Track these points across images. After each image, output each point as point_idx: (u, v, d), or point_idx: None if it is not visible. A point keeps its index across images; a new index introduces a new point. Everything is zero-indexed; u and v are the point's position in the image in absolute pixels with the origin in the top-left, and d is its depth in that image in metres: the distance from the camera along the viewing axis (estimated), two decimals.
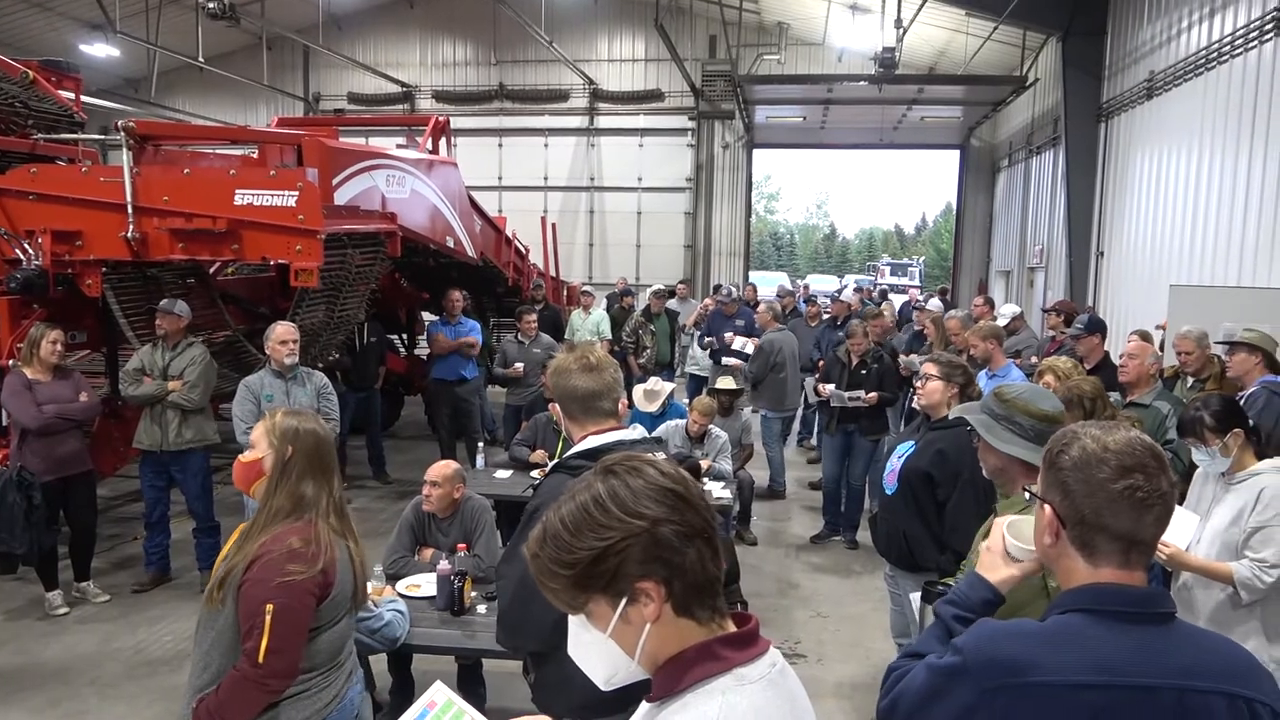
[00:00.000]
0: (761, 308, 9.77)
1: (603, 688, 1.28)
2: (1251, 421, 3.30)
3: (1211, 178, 9.52)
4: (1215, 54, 9.41)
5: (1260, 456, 3.25)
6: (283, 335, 5.68)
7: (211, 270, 7.36)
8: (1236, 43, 8.97)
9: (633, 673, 1.26)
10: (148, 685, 4.67)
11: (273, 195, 5.88)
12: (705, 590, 1.22)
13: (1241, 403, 4.76)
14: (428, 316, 11.31)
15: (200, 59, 15.46)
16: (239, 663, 2.35)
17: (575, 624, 1.28)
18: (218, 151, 8.42)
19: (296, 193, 5.86)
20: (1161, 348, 6.64)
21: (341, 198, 6.73)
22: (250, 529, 2.46)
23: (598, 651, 1.26)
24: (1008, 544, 1.92)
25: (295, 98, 20.90)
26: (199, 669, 2.42)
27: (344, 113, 20.46)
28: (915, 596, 2.90)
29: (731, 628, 1.27)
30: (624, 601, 1.20)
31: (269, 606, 2.30)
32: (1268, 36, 8.38)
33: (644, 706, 1.28)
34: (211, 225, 5.83)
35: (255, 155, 7.96)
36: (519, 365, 8.31)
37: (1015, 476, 2.61)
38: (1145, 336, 5.85)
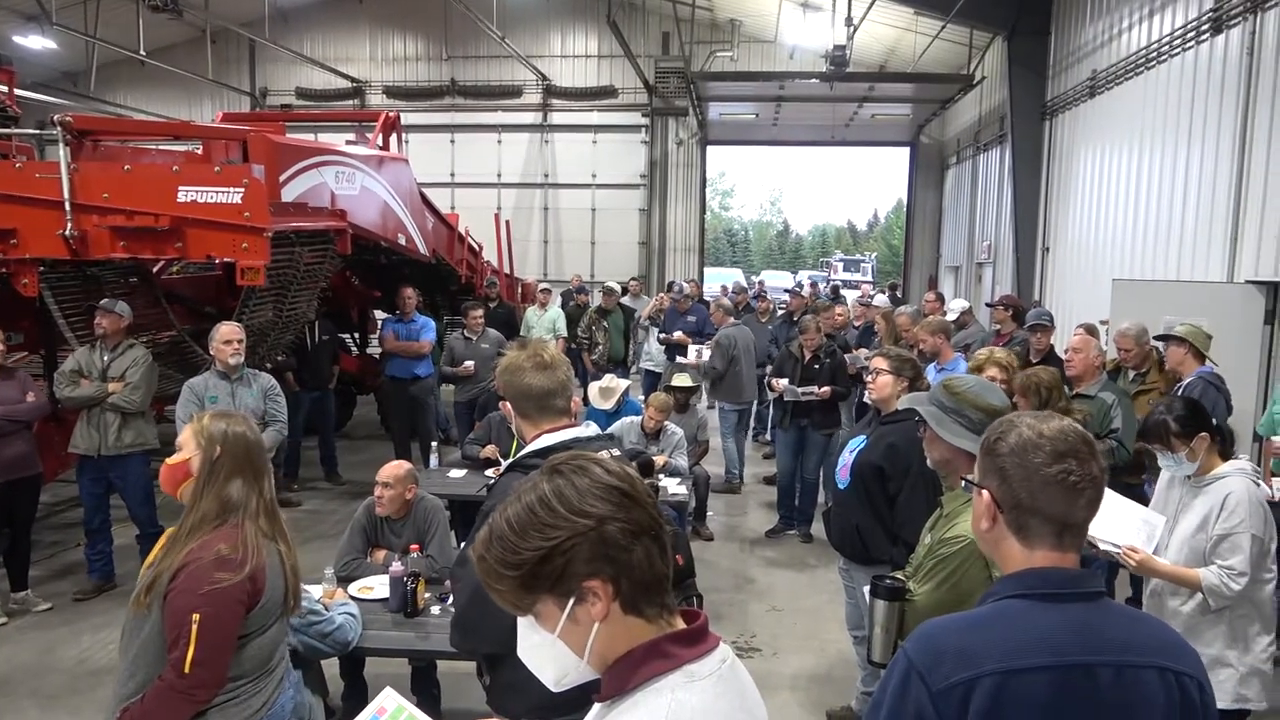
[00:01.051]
0: (714, 304, 9.77)
1: (553, 689, 1.27)
2: (1215, 421, 3.31)
3: (1151, 174, 9.77)
4: (1154, 54, 9.65)
5: (1225, 457, 3.26)
6: (227, 335, 5.57)
7: (155, 269, 7.19)
8: (1175, 43, 9.21)
9: (583, 673, 1.25)
10: (91, 697, 4.54)
11: (217, 192, 5.75)
12: (653, 588, 1.22)
13: (1180, 393, 4.92)
14: (380, 315, 11.18)
15: (141, 52, 15.07)
16: (164, 672, 2.30)
17: (524, 625, 1.26)
18: (160, 148, 8.21)
19: (242, 189, 5.74)
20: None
21: (289, 194, 6.61)
22: (177, 534, 2.41)
23: (547, 652, 1.25)
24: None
25: (241, 93, 20.48)
26: (124, 678, 2.37)
27: (292, 108, 20.06)
28: (867, 588, 2.93)
29: (681, 624, 1.26)
30: (571, 601, 1.20)
31: (195, 616, 2.25)
32: (1204, 37, 8.62)
33: (595, 707, 1.28)
34: (154, 223, 5.69)
35: (199, 152, 7.79)
36: (469, 364, 8.25)
37: (960, 468, 2.65)
38: (1090, 330, 5.99)
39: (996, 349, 5.28)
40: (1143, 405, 5.37)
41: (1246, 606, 3.12)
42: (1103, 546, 3.29)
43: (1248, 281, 7.64)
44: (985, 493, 1.57)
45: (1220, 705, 3.07)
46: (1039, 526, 1.51)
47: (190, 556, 2.32)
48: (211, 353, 5.64)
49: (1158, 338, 5.43)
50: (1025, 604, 1.49)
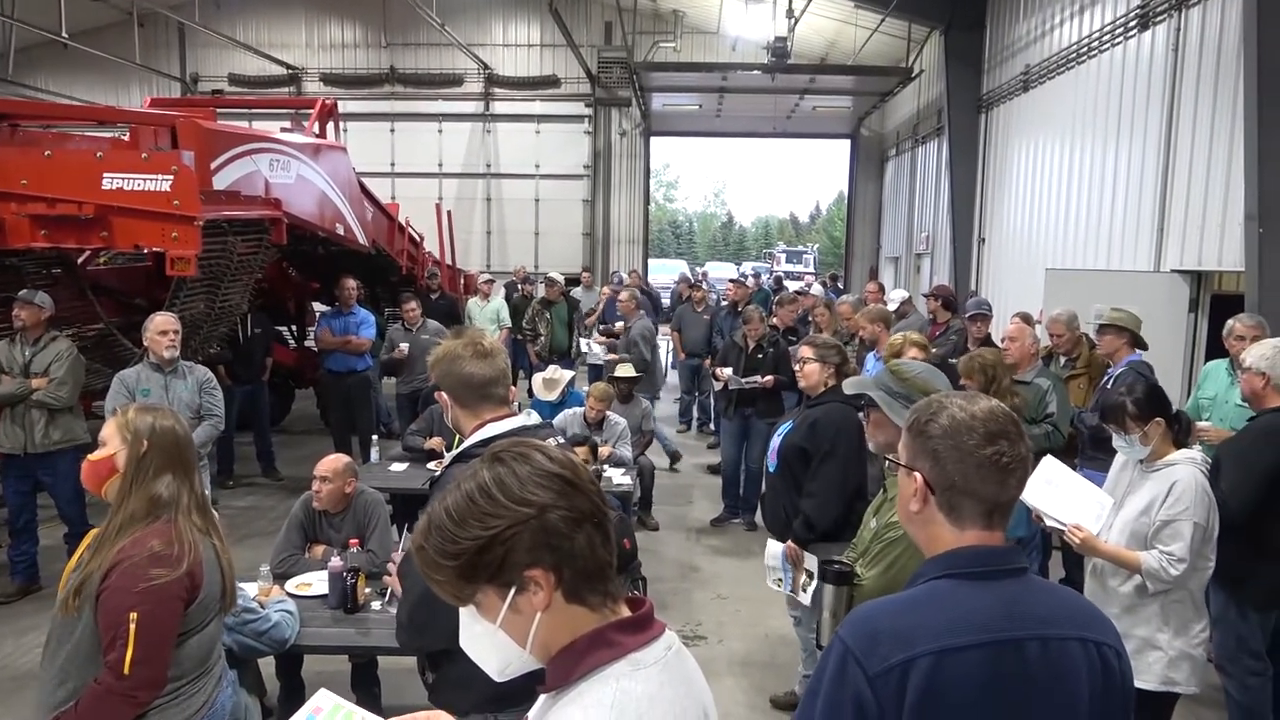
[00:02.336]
0: (624, 295, 9.60)
1: (496, 679, 1.25)
2: (1175, 409, 3.37)
3: (1082, 167, 10.03)
4: (1084, 49, 9.90)
5: (1178, 445, 3.32)
6: (162, 326, 5.37)
7: (81, 260, 6.93)
8: (1104, 38, 9.46)
9: (526, 663, 1.23)
10: (13, 703, 4.38)
11: (145, 179, 5.56)
12: (597, 576, 1.20)
13: (1110, 381, 5.06)
14: (319, 307, 10.95)
15: (64, 34, 14.49)
16: (101, 675, 2.21)
17: (465, 615, 1.24)
18: (85, 134, 7.91)
19: (171, 176, 5.56)
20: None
21: (221, 182, 6.42)
22: (105, 533, 2.31)
23: (489, 643, 1.22)
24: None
25: (171, 78, 19.84)
26: (53, 684, 2.27)
27: (224, 94, 19.51)
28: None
29: (626, 612, 1.25)
30: (513, 591, 1.17)
31: (133, 615, 2.18)
32: (1131, 33, 8.87)
33: (541, 699, 1.26)
34: (77, 211, 5.49)
35: (126, 138, 7.53)
36: (403, 346, 8.16)
37: None
38: (1025, 319, 6.13)
39: (913, 331, 5.40)
40: (1074, 390, 5.52)
41: (1182, 592, 3.19)
42: (1049, 522, 3.37)
43: (1173, 271, 7.91)
44: (918, 475, 1.57)
45: (1147, 687, 3.17)
46: (972, 508, 1.52)
47: (122, 554, 2.24)
48: (145, 344, 5.45)
49: (1099, 330, 5.54)
50: (955, 583, 1.50)
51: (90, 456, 2.41)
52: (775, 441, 4.16)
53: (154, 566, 2.23)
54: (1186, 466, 3.21)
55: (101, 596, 2.22)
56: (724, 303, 11.03)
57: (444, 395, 2.40)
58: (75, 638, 2.25)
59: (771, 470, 4.13)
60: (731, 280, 12.35)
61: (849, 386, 2.90)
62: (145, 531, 2.29)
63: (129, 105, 17.16)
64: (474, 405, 2.36)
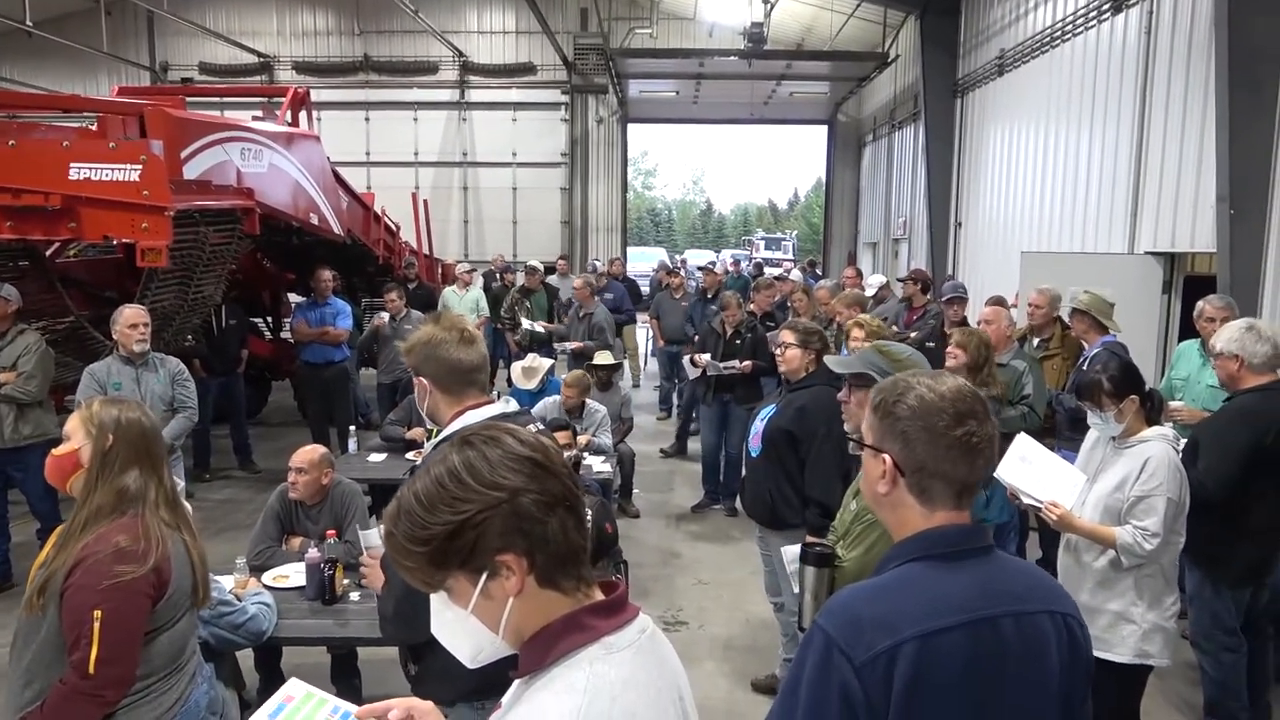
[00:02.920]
0: (578, 282, 9.50)
1: (469, 665, 1.24)
2: (1148, 388, 3.39)
3: (1057, 150, 10.09)
4: (1058, 32, 9.95)
5: (1150, 422, 3.35)
6: (132, 319, 5.29)
7: (49, 252, 6.82)
8: (1078, 22, 9.51)
9: (498, 649, 1.22)
10: None
11: (113, 169, 5.48)
12: (570, 560, 1.19)
13: (1085, 362, 5.10)
14: (295, 298, 10.84)
15: (28, 23, 14.22)
16: (66, 675, 2.18)
17: (436, 602, 1.22)
18: (52, 124, 7.76)
19: (140, 166, 5.48)
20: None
21: (191, 172, 6.32)
22: (70, 529, 2.27)
23: (461, 629, 1.21)
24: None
25: (140, 67, 19.52)
26: (19, 686, 2.23)
27: (194, 83, 19.23)
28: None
29: (600, 596, 1.24)
30: (484, 576, 1.16)
31: (97, 612, 2.13)
32: (1105, 16, 8.92)
33: (515, 684, 1.24)
34: (44, 202, 5.39)
35: (94, 127, 7.39)
36: (383, 315, 8.26)
37: None
38: (1000, 302, 6.17)
39: (865, 315, 5.45)
40: (1048, 370, 5.56)
41: (1154, 566, 3.23)
42: (1025, 500, 3.39)
43: (1147, 252, 7.98)
44: (886, 457, 1.54)
45: (1121, 660, 3.22)
46: (942, 489, 1.51)
47: (86, 551, 2.19)
48: (115, 338, 5.37)
49: (1071, 313, 5.59)
50: (929, 565, 1.49)
51: (55, 451, 2.36)
52: (758, 425, 4.15)
53: (119, 563, 2.18)
54: (1159, 443, 3.24)
55: (65, 594, 2.18)
56: (698, 289, 11.04)
57: (424, 381, 2.35)
58: (41, 637, 2.21)
59: (754, 454, 4.11)
60: (700, 268, 12.31)
61: (840, 365, 2.85)
62: (111, 527, 2.24)
63: (97, 95, 16.87)
64: (458, 392, 2.33)
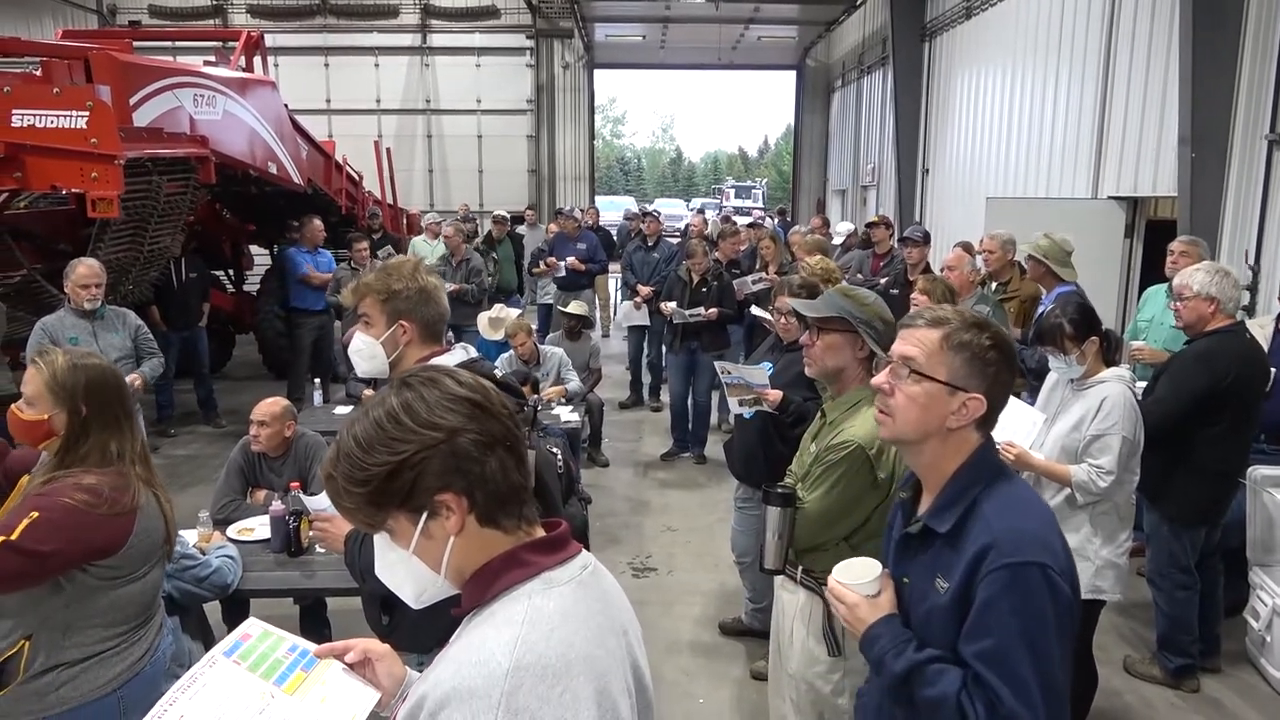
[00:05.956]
0: (448, 230, 9.00)
1: (413, 606, 1.25)
2: (1105, 328, 3.43)
3: (1023, 95, 10.07)
4: None
5: (1108, 363, 3.40)
6: (84, 278, 5.12)
7: None
8: None
9: (442, 589, 1.23)
10: None
11: (58, 116, 5.32)
12: (510, 499, 1.19)
13: (1043, 308, 5.13)
14: (257, 249, 10.65)
15: None
16: None
17: (380, 542, 1.23)
18: None
19: (86, 113, 5.33)
20: None
21: (142, 119, 6.16)
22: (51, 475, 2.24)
23: (404, 570, 1.22)
24: (854, 590, 1.82)
25: (87, 10, 18.78)
26: None
27: (143, 26, 18.57)
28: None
29: (541, 534, 1.24)
30: (424, 516, 1.16)
31: (34, 514, 2.09)
32: None
33: (461, 624, 1.25)
34: None
35: (37, 73, 7.14)
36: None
37: (851, 379, 2.68)
38: (966, 248, 6.18)
39: (814, 256, 5.51)
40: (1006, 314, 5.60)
41: (1108, 504, 3.31)
42: None
43: (1110, 197, 8.03)
44: (978, 396, 1.68)
45: None
46: (993, 421, 1.75)
47: (54, 481, 2.19)
48: (66, 292, 5.25)
49: (1028, 259, 5.59)
50: (1017, 481, 1.76)
51: (22, 415, 2.30)
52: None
53: (78, 491, 2.16)
54: (1115, 384, 3.30)
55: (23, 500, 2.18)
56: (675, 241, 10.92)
57: (407, 324, 2.27)
58: None
59: (747, 416, 3.76)
60: (644, 212, 12.03)
61: (809, 309, 2.78)
62: (88, 470, 2.24)
63: (41, 39, 16.28)
64: (432, 341, 2.33)
